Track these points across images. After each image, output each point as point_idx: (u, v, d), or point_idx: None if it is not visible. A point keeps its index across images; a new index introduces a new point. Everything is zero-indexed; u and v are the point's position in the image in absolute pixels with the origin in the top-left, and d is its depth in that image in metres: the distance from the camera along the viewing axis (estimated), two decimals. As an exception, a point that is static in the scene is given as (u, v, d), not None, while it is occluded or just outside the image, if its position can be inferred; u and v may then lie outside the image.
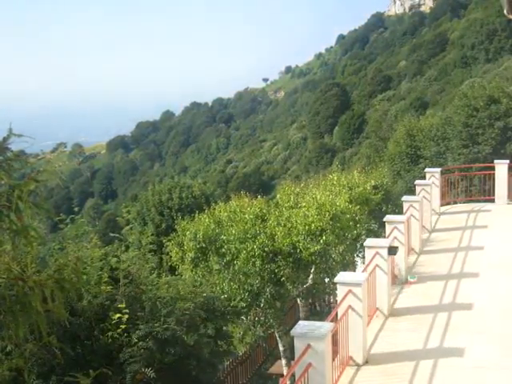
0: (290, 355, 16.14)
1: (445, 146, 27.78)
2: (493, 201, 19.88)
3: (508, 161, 19.71)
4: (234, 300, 14.91)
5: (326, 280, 18.47)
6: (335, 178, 20.43)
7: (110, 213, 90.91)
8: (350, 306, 9.70)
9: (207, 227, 16.81)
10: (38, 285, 5.78)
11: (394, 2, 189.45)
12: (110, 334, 9.45)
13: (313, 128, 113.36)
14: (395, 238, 13.25)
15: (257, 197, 19.48)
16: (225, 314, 11.85)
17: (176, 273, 17.36)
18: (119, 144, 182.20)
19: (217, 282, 15.54)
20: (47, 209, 5.99)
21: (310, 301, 22.06)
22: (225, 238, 16.02)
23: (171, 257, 18.72)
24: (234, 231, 15.94)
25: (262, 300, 15.78)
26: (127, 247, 14.72)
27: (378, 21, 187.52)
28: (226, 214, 17.56)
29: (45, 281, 5.85)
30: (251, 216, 16.63)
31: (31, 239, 5.67)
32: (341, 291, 9.99)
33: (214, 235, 16.47)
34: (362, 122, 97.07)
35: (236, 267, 15.50)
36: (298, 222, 15.66)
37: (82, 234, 11.28)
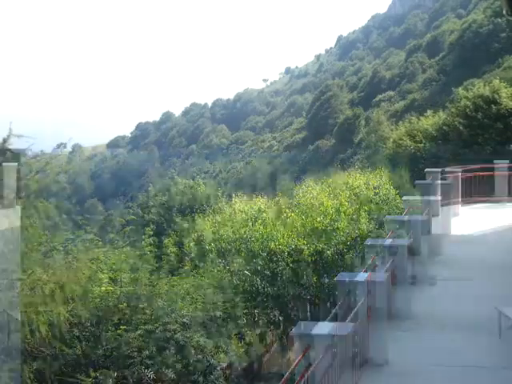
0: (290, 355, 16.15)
1: (445, 146, 27.78)
2: (492, 201, 19.89)
3: (508, 161, 19.71)
4: (234, 300, 14.90)
5: (326, 280, 18.46)
6: (335, 179, 20.43)
7: (109, 213, 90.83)
8: (349, 306, 9.69)
9: (207, 228, 16.82)
10: (38, 285, 5.77)
11: (394, 3, 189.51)
12: (109, 334, 9.45)
13: (312, 129, 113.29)
14: (395, 237, 13.23)
15: (257, 197, 19.53)
16: (224, 315, 11.86)
17: (176, 273, 17.36)
18: (119, 144, 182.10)
19: (216, 282, 15.54)
20: (47, 210, 5.98)
21: (311, 301, 22.04)
22: (225, 237, 16.04)
23: (171, 257, 18.72)
24: (235, 230, 15.95)
25: (262, 300, 15.77)
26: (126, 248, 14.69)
27: (378, 21, 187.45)
28: (226, 214, 17.57)
29: (45, 281, 5.85)
30: (250, 216, 16.64)
31: (31, 240, 5.66)
32: (341, 291, 9.98)
33: (214, 235, 16.47)
34: (361, 122, 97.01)
35: (236, 267, 15.50)
36: (299, 222, 15.66)
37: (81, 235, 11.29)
